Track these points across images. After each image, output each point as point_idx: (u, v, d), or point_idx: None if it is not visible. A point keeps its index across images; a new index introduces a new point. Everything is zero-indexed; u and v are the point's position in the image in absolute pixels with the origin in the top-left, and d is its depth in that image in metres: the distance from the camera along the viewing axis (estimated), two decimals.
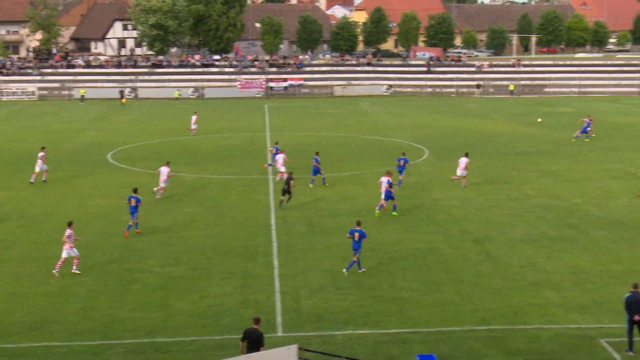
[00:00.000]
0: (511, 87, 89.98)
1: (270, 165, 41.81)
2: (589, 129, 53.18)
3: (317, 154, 39.42)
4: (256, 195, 36.58)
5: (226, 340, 19.79)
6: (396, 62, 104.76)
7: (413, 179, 39.88)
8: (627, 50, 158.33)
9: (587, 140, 53.06)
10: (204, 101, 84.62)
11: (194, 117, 57.69)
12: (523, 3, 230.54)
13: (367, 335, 20.11)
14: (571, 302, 22.34)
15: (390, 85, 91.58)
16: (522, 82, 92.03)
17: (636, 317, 18.85)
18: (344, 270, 24.86)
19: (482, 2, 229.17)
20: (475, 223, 31.24)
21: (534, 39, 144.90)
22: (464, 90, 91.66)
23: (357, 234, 24.85)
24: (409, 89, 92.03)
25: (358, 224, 25.32)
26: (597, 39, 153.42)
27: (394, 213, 32.42)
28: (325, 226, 30.85)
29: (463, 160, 38.17)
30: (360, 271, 24.96)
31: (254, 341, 16.96)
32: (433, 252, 27.39)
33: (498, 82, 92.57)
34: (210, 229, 30.55)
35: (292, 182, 33.63)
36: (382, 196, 32.63)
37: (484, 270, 25.37)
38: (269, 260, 26.40)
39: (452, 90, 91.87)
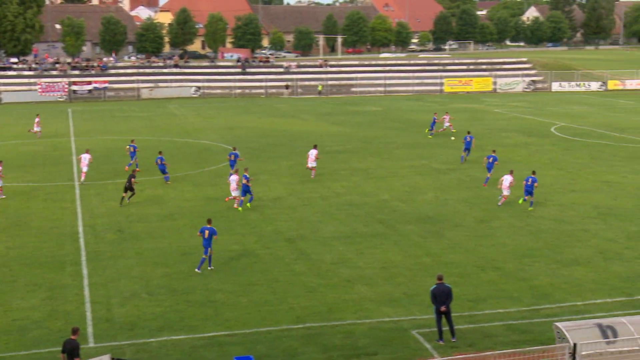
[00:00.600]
0: (319, 88, 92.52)
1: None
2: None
3: (160, 153, 40.44)
4: (62, 203, 35.26)
5: (35, 355, 18.93)
6: (204, 64, 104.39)
7: (225, 180, 39.93)
8: (429, 50, 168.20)
9: (453, 131, 56.30)
10: (2, 106, 79.90)
11: (36, 119, 57.00)
12: (328, 4, 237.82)
13: (183, 340, 19.93)
14: (383, 296, 23.26)
15: (199, 87, 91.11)
16: (330, 82, 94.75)
17: (442, 308, 19.81)
18: (197, 269, 25.25)
19: (287, 4, 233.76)
20: (288, 222, 31.82)
21: (339, 39, 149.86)
22: (273, 90, 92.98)
23: (207, 232, 25.30)
24: (218, 91, 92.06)
25: (209, 221, 25.69)
26: (400, 39, 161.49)
27: (248, 205, 34.28)
28: (135, 232, 30.28)
29: (313, 152, 40.54)
30: (209, 268, 25.53)
31: (68, 352, 16.58)
32: (247, 253, 27.60)
33: (306, 83, 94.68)
34: (12, 240, 29.17)
35: (133, 179, 34.87)
36: (235, 193, 34.21)
37: (298, 269, 25.90)
38: (78, 269, 25.54)
39: (262, 91, 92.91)
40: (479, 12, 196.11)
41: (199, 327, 20.84)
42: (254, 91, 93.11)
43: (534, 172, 35.02)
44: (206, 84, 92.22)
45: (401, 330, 20.67)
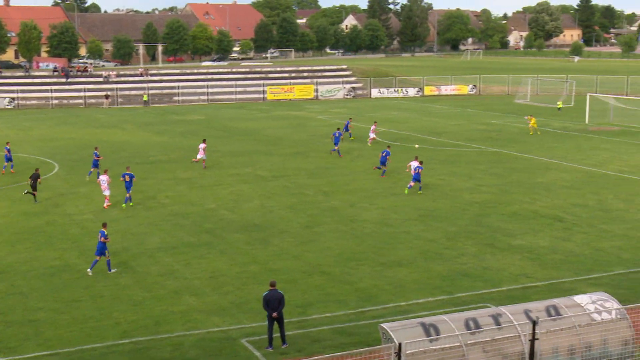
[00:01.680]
0: (145, 97, 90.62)
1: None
2: (373, 135, 56.12)
3: (96, 148, 43.63)
4: None
5: None
6: (18, 74, 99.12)
7: (44, 195, 38.20)
8: (250, 58, 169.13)
9: (351, 138, 57.64)
10: None
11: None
12: (147, 12, 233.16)
13: None
14: (211, 306, 23.13)
15: (13, 98, 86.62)
16: (152, 92, 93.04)
17: (274, 315, 19.98)
18: (88, 270, 25.76)
19: (105, 12, 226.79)
20: (111, 235, 30.79)
21: (160, 48, 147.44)
22: (93, 101, 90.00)
23: (99, 234, 26.23)
24: (34, 102, 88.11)
25: (104, 225, 26.75)
26: (221, 47, 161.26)
27: (130, 204, 36.37)
28: None
29: (202, 146, 46.42)
30: (110, 272, 26.10)
31: None
32: (69, 268, 26.58)
33: (127, 92, 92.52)
34: None
35: (39, 179, 37.26)
36: (106, 192, 36.06)
37: (124, 282, 25.23)
38: None
39: (80, 101, 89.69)
40: (298, 21, 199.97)
41: (19, 348, 19.80)
42: (72, 101, 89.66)
43: (388, 147, 43.75)
44: (21, 95, 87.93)
45: (230, 340, 20.61)
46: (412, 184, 39.34)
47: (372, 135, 55.98)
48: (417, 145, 54.74)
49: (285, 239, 30.69)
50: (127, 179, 36.67)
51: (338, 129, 52.57)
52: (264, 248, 29.39)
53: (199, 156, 46.43)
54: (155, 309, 22.88)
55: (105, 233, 26.38)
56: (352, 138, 58.27)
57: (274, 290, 20.21)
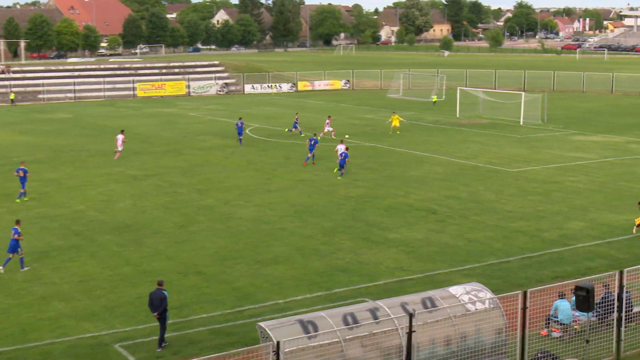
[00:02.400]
0: (12, 96, 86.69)
1: None
2: (330, 128, 56.60)
3: None
4: None
5: None
6: None
7: None
8: (119, 54, 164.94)
9: (302, 135, 57.37)
10: None
11: None
12: (8, 7, 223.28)
13: None
14: (82, 311, 22.39)
15: None
16: (15, 89, 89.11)
17: (155, 315, 19.72)
18: (1, 267, 25.69)
19: None
20: None
21: (22, 44, 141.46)
22: None
23: (12, 231, 26.41)
24: None
25: (17, 222, 26.77)
26: (88, 43, 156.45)
27: (25, 199, 36.27)
28: None
29: (119, 137, 48.01)
30: (22, 270, 25.94)
31: None
32: None
33: None
34: None
35: None
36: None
37: None
38: None
39: None
40: (168, 15, 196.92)
41: None
42: None
43: (315, 134, 47.33)
44: None
45: (103, 345, 20.01)
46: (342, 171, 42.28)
47: (328, 129, 56.71)
48: (347, 136, 56.35)
49: (159, 239, 30.12)
50: (22, 174, 36.38)
51: (291, 130, 52.69)
52: (137, 249, 28.72)
53: (119, 148, 47.87)
54: (22, 316, 21.92)
55: (19, 230, 26.40)
56: (302, 135, 58.06)
57: (158, 289, 19.96)
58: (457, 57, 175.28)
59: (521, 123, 65.42)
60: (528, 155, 49.93)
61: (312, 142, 45.95)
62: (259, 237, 30.52)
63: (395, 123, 59.64)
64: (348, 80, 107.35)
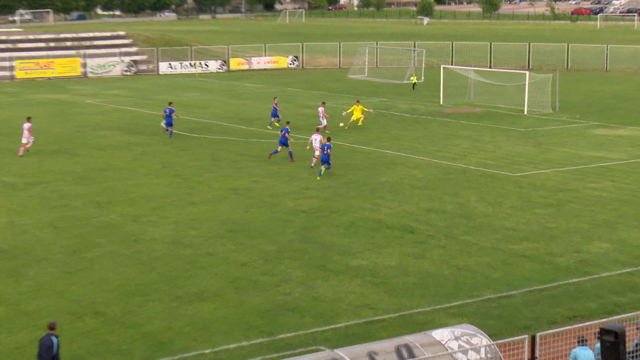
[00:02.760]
0: None
1: None
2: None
3: None
4: None
5: None
6: None
7: None
8: None
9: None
10: None
11: None
12: None
13: None
14: None
15: None
16: None
17: None
18: None
19: None
20: None
21: None
22: None
23: None
24: None
25: None
26: None
27: None
28: None
29: (26, 125, 49.82)
30: None
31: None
32: None
33: None
34: None
35: None
36: None
37: None
38: None
39: None
40: None
41: None
42: None
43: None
44: None
45: None
46: (320, 166, 44.26)
47: (324, 122, 57.80)
48: (341, 124, 58.92)
49: (45, 268, 29.75)
50: None
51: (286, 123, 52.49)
52: (15, 282, 28.33)
53: (24, 140, 49.49)
54: None
55: None
56: (270, 127, 59.55)
57: (48, 335, 20.00)
58: (441, 26, 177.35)
59: (525, 112, 66.23)
60: (534, 154, 50.48)
61: (283, 132, 48.08)
62: (178, 265, 30.25)
63: (357, 115, 59.39)
64: (296, 57, 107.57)
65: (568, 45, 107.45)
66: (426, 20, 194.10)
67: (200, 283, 28.48)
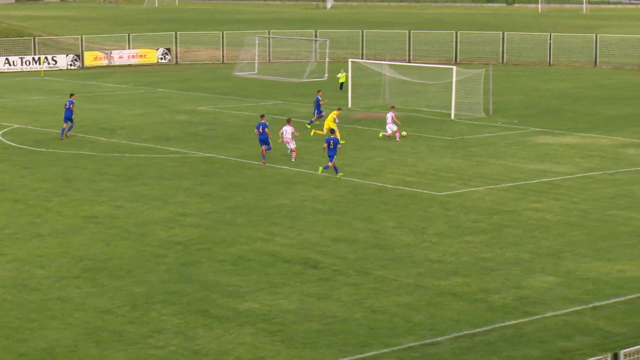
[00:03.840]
0: None
1: None
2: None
3: None
4: None
5: None
6: None
7: None
8: None
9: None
10: None
11: None
12: None
13: None
14: None
15: None
16: None
17: None
18: None
19: None
20: None
21: None
22: None
23: None
24: None
25: None
26: None
27: None
28: None
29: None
30: None
31: None
32: None
33: None
34: None
35: None
36: None
37: None
38: None
39: None
40: None
41: None
42: None
43: (262, 116, 53.21)
44: None
45: None
46: (329, 164, 48.47)
47: (393, 127, 59.42)
48: (404, 133, 59.87)
49: None
50: None
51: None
52: None
53: None
54: None
55: None
56: (309, 126, 62.17)
57: None
58: (348, 10, 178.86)
59: (452, 117, 67.09)
60: (464, 168, 51.21)
61: (261, 128, 51.83)
62: (21, 313, 29.86)
63: (330, 122, 58.41)
64: (168, 50, 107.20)
65: (503, 34, 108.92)
66: (330, 2, 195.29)
67: (50, 336, 28.13)
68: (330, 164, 48.01)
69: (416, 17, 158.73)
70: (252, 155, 53.70)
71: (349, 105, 72.23)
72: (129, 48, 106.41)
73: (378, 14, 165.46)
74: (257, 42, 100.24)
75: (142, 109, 71.90)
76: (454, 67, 71.41)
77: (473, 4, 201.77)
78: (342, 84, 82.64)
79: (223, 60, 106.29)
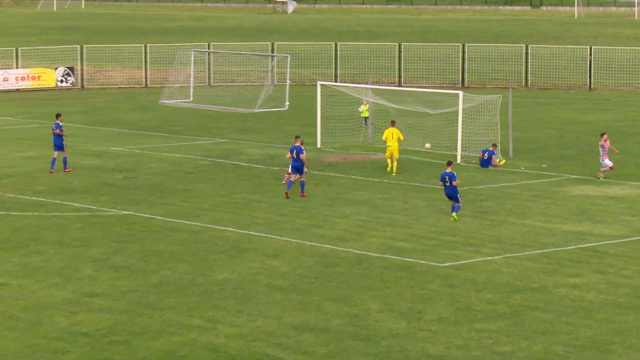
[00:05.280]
0: None
1: None
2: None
3: None
4: None
5: None
6: None
7: None
8: None
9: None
10: None
11: None
12: None
13: None
14: None
15: None
16: None
17: None
18: None
19: None
20: None
21: None
22: None
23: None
24: None
25: None
26: None
27: None
28: None
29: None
30: None
31: None
32: None
33: None
34: None
35: None
36: None
37: None
38: None
39: None
40: None
41: None
42: None
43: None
44: None
45: None
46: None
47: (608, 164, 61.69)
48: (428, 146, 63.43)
49: None
50: None
51: None
52: None
53: None
54: None
55: None
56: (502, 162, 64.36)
57: None
58: (317, 15, 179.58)
59: (458, 160, 67.27)
60: (475, 229, 51.43)
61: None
62: None
63: (392, 144, 61.79)
64: (71, 69, 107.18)
65: (527, 48, 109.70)
66: (292, 5, 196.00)
67: None
68: (294, 177, 50.85)
69: (408, 25, 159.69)
70: (185, 213, 53.65)
71: (318, 145, 72.31)
72: (17, 67, 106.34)
73: (357, 21, 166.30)
74: (192, 58, 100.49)
75: (36, 150, 71.79)
76: (460, 92, 71.72)
77: (486, 7, 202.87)
78: (365, 118, 79.82)
79: (146, 84, 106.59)
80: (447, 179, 51.40)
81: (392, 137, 63.26)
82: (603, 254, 47.20)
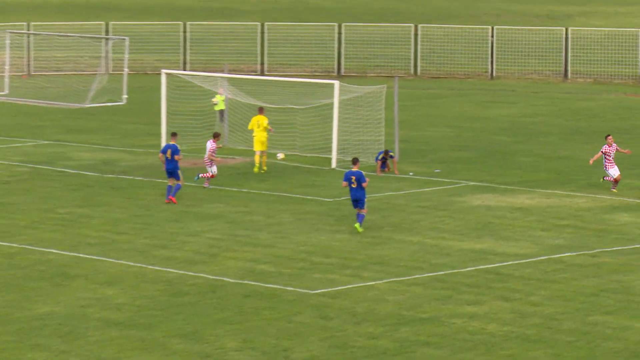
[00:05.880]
0: None
1: None
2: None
3: None
4: None
5: None
6: None
7: None
8: None
9: None
10: None
11: None
12: None
13: None
14: None
15: None
16: None
17: None
18: None
19: None
20: None
21: None
22: None
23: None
24: None
25: None
26: None
27: None
28: None
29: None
30: None
31: None
32: None
33: None
34: None
35: None
36: None
37: None
38: None
39: None
40: None
41: None
42: None
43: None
44: None
45: None
46: None
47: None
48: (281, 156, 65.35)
49: None
50: None
51: None
52: None
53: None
54: None
55: None
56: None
57: None
58: None
59: (333, 164, 67.71)
60: (354, 249, 51.76)
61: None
62: None
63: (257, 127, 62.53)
64: None
65: (416, 28, 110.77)
66: None
67: None
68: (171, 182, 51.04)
69: (273, 0, 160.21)
70: (44, 242, 53.42)
71: (162, 145, 72.33)
72: None
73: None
74: (8, 41, 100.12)
75: None
76: (336, 82, 72.16)
77: None
78: (221, 111, 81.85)
79: None
80: (353, 180, 52.20)
81: (258, 126, 63.49)
82: (507, 276, 47.69)
